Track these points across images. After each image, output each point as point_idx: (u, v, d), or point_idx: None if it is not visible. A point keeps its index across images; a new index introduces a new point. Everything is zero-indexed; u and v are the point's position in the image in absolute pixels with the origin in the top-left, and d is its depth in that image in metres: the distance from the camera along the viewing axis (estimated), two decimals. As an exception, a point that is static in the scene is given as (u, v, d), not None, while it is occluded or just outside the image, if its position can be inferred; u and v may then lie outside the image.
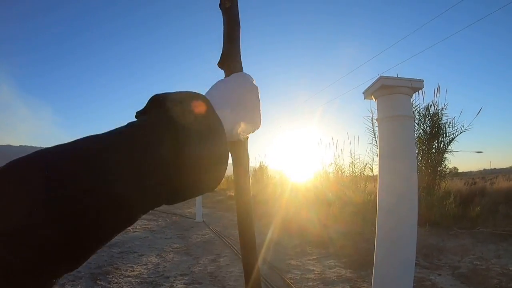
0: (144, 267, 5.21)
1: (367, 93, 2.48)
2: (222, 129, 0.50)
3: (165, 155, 0.42)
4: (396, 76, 2.37)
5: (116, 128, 0.43)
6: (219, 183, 0.52)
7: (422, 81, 2.34)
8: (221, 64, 0.74)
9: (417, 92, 8.35)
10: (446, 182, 8.82)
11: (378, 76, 2.30)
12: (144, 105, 0.50)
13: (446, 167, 8.68)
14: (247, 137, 0.69)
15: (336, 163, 11.54)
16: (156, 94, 0.49)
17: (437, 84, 8.55)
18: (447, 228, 7.67)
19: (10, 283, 0.31)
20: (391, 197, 2.35)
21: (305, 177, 13.69)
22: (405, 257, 2.31)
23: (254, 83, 0.68)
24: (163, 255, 5.93)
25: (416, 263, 5.06)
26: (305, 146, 14.97)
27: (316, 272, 4.94)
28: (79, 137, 0.41)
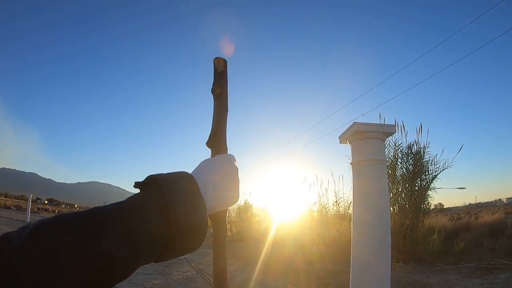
0: (123, 303, 5.10)
1: (342, 138, 2.55)
2: (203, 205, 0.63)
3: (156, 228, 0.55)
4: (379, 115, 2.45)
5: (119, 202, 0.56)
6: (199, 246, 0.65)
7: (394, 126, 2.42)
8: (209, 144, 0.84)
9: (399, 132, 8.49)
10: (430, 218, 8.86)
11: (352, 122, 2.36)
12: (142, 180, 0.65)
13: (430, 204, 8.73)
14: (226, 210, 0.79)
15: (321, 202, 11.50)
16: (152, 175, 0.63)
17: (419, 123, 8.70)
18: (431, 264, 7.65)
19: None
20: (365, 237, 2.38)
21: (290, 216, 13.66)
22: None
23: (236, 164, 0.79)
24: (143, 291, 5.80)
25: (400, 300, 5.05)
26: (289, 184, 14.93)
27: (298, 311, 4.87)
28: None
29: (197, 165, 0.75)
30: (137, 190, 0.64)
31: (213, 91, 0.86)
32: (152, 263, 0.60)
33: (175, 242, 0.58)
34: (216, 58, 0.87)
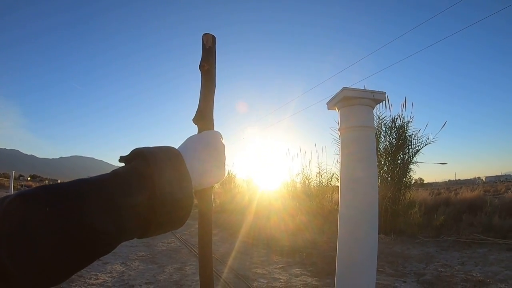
0: (109, 275, 5.12)
1: (331, 104, 2.53)
2: (189, 181, 0.63)
3: (140, 201, 0.54)
4: (364, 88, 2.43)
5: (104, 175, 0.55)
6: (184, 224, 0.63)
7: (384, 93, 2.40)
8: (195, 120, 0.83)
9: (383, 105, 8.51)
10: (411, 192, 9.01)
11: (341, 88, 2.35)
12: (128, 154, 0.63)
13: (411, 177, 8.85)
14: (212, 186, 0.79)
15: (304, 173, 11.58)
16: (138, 148, 0.62)
17: (403, 98, 8.75)
18: (412, 236, 7.84)
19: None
20: (352, 205, 2.40)
21: (273, 187, 13.74)
22: (365, 262, 2.34)
23: (222, 141, 0.79)
24: (128, 263, 5.85)
25: (381, 270, 5.15)
26: (273, 155, 14.97)
27: (282, 280, 4.95)
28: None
29: (183, 141, 0.75)
30: (122, 165, 0.63)
31: (201, 67, 0.86)
32: None
33: (159, 218, 0.57)
34: (204, 34, 0.86)
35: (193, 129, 0.84)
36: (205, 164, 0.71)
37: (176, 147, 0.70)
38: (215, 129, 0.84)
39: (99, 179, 0.53)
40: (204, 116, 0.83)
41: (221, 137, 0.80)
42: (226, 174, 0.78)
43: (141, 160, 0.59)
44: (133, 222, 0.54)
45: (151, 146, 0.64)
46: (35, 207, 0.45)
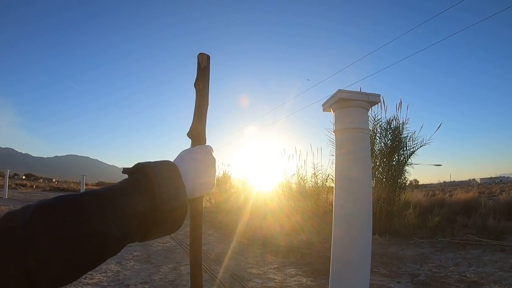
0: (104, 274, 5.10)
1: (326, 106, 2.55)
2: (185, 192, 0.72)
3: (143, 211, 0.63)
4: (359, 90, 2.45)
5: (112, 187, 0.64)
6: (179, 228, 0.73)
7: (379, 95, 2.42)
8: (189, 135, 0.90)
9: (379, 107, 8.53)
10: (406, 193, 9.03)
11: (337, 90, 2.36)
12: (131, 167, 0.72)
13: (406, 179, 8.88)
14: (203, 195, 0.87)
15: (299, 174, 11.58)
16: (140, 163, 0.71)
17: (399, 99, 8.76)
18: (407, 237, 7.87)
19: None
20: (346, 205, 2.41)
21: (268, 187, 13.72)
22: (359, 262, 2.36)
23: (213, 154, 0.88)
24: (123, 263, 5.82)
25: (376, 271, 5.18)
26: (268, 156, 14.96)
27: (277, 280, 4.96)
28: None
29: (178, 154, 0.84)
30: (125, 176, 0.72)
31: (195, 85, 0.92)
32: None
33: (158, 224, 0.67)
34: (200, 53, 0.91)
35: (187, 142, 0.92)
36: (198, 176, 0.80)
37: (172, 160, 0.80)
38: (206, 144, 0.92)
39: (108, 191, 0.62)
40: (197, 131, 0.90)
41: (212, 151, 0.89)
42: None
43: (143, 174, 0.68)
44: (136, 228, 0.63)
45: (151, 161, 0.73)
46: (57, 217, 0.52)
